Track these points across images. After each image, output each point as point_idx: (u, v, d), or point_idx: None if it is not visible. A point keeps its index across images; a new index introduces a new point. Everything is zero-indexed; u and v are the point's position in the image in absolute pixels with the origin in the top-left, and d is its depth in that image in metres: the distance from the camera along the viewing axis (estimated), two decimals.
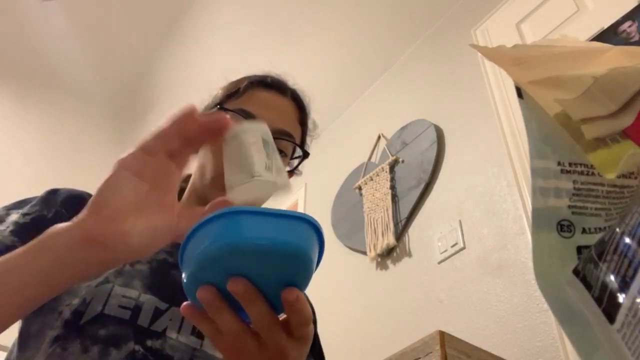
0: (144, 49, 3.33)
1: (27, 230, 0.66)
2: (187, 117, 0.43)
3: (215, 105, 0.83)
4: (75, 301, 0.64)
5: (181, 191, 0.87)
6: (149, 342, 0.64)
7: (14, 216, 0.68)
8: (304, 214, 0.38)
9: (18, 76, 3.46)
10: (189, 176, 0.90)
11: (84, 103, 3.70)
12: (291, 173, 0.84)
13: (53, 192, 0.73)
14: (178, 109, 0.43)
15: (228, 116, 0.44)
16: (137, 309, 0.65)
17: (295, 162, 0.84)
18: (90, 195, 0.76)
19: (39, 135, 3.48)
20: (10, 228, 0.65)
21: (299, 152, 0.84)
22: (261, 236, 0.36)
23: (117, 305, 0.64)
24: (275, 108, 0.82)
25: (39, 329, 0.65)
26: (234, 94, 0.83)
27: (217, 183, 0.76)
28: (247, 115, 0.77)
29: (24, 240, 0.64)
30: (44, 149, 3.46)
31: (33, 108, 3.51)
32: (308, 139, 0.89)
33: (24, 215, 0.68)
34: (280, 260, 0.37)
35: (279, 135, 0.78)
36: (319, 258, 0.40)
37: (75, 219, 0.40)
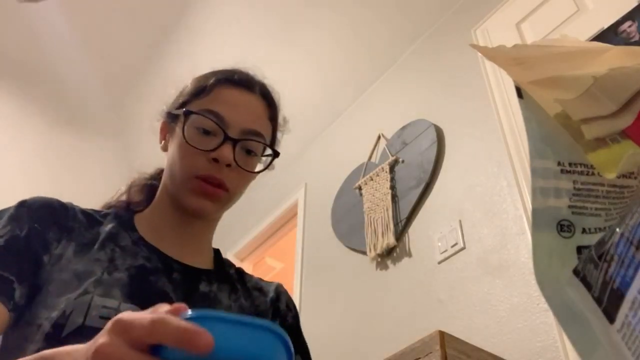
0: (144, 50, 3.33)
1: (2, 254, 0.64)
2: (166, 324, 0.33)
3: (182, 105, 0.79)
4: (55, 314, 0.62)
5: (153, 189, 0.85)
6: None
7: None
8: (272, 325, 0.36)
9: (18, 77, 3.46)
10: (159, 172, 0.87)
11: (84, 104, 3.70)
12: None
13: (22, 205, 0.70)
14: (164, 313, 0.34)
15: (211, 340, 0.33)
16: None
17: (265, 159, 0.81)
18: (59, 202, 0.73)
19: (39, 137, 3.49)
20: None
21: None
22: (232, 348, 0.35)
23: (98, 317, 0.62)
24: (244, 107, 0.78)
25: (19, 342, 0.63)
26: (201, 92, 0.79)
27: (186, 185, 0.74)
28: (214, 116, 0.75)
29: (1, 267, 0.63)
30: (43, 150, 3.46)
31: (32, 109, 3.51)
32: (279, 134, 0.86)
33: None
34: None
35: (248, 135, 0.76)
36: None
37: None
